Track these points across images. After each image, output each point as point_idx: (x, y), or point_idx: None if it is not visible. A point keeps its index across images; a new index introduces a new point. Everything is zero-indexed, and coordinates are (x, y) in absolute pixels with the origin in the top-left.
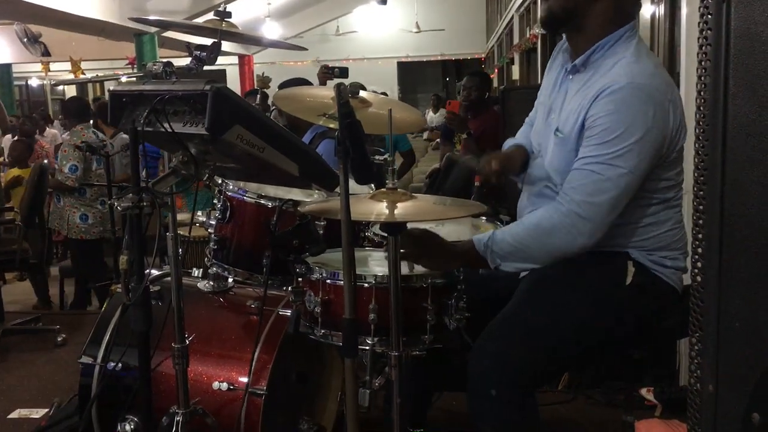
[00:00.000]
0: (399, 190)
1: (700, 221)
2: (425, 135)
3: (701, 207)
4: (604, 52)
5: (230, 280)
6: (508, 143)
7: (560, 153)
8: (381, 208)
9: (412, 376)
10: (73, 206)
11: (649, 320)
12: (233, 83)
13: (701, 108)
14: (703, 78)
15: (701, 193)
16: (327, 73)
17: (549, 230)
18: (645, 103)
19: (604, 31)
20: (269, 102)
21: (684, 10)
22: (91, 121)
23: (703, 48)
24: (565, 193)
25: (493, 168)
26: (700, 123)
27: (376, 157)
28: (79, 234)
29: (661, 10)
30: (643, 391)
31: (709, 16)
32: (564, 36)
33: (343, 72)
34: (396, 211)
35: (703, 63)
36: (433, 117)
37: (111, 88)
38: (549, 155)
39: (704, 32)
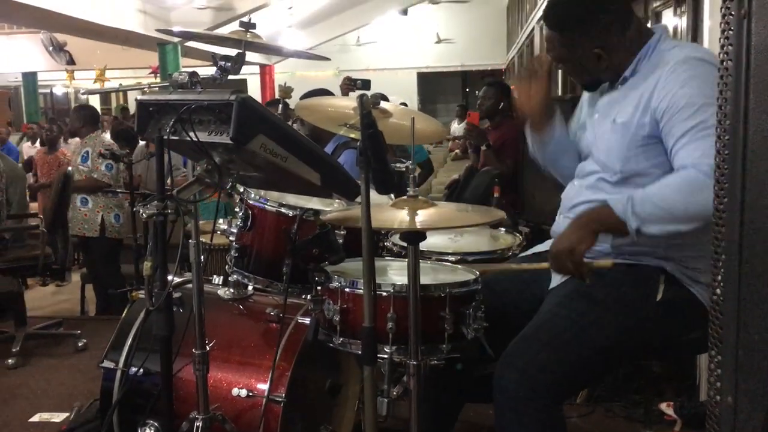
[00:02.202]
0: (420, 197)
1: (720, 233)
2: (450, 145)
3: (721, 220)
4: (648, 58)
5: (250, 287)
6: None
7: (621, 139)
8: (402, 216)
9: (440, 387)
10: (107, 206)
11: (675, 336)
12: (254, 93)
13: (722, 122)
14: (723, 93)
15: (721, 206)
16: (350, 84)
17: (697, 188)
18: (712, 68)
19: (634, 53)
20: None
21: (707, 23)
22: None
23: (724, 63)
24: (697, 161)
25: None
26: (721, 137)
27: (398, 165)
28: (114, 233)
29: (683, 22)
30: (663, 406)
31: (730, 32)
32: None
33: (366, 84)
34: (417, 219)
35: (723, 78)
36: (456, 127)
37: (138, 97)
38: (606, 145)
39: (725, 47)
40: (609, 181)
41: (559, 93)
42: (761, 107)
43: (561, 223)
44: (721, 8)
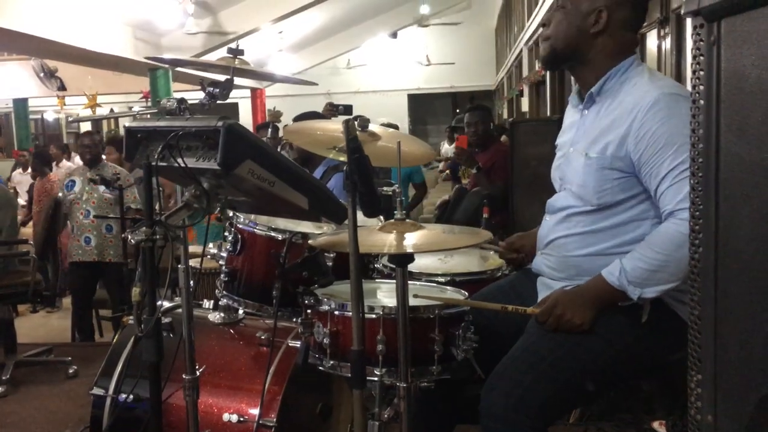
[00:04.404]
0: (408, 220)
1: (696, 255)
2: (440, 166)
3: (697, 241)
4: (618, 78)
5: (241, 311)
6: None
7: (594, 173)
8: (390, 240)
9: (431, 409)
10: None
11: (663, 356)
12: (245, 117)
13: (695, 145)
14: (696, 116)
15: (696, 227)
16: (332, 110)
17: (680, 242)
18: (689, 103)
19: (611, 62)
20: (280, 135)
21: (690, 43)
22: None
23: (696, 88)
24: (676, 207)
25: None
26: (695, 159)
27: (385, 188)
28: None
29: (667, 44)
30: (655, 425)
31: (701, 58)
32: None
33: (348, 109)
34: (405, 242)
35: (696, 102)
36: (447, 149)
37: (127, 124)
38: (579, 178)
39: (696, 73)
40: (583, 211)
41: (548, 113)
42: (732, 131)
43: (539, 260)
44: (692, 35)
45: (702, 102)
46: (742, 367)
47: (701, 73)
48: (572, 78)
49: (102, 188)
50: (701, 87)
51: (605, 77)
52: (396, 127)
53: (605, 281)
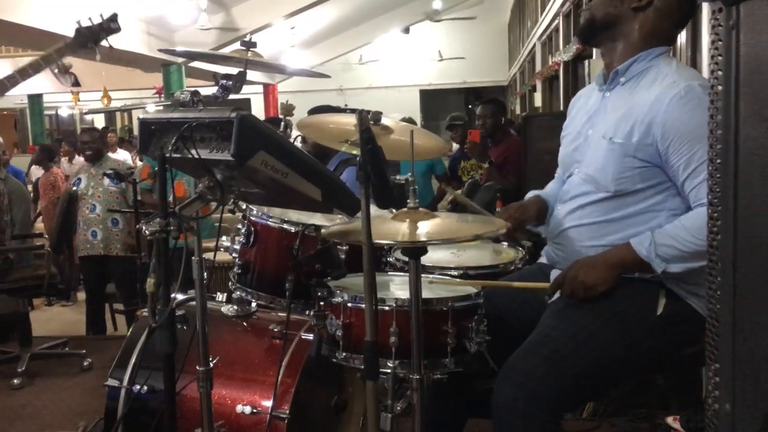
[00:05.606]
0: (421, 209)
1: (715, 242)
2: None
3: (715, 228)
4: (646, 63)
5: (254, 304)
6: (530, 195)
7: (616, 159)
8: (403, 229)
9: (444, 403)
10: None
11: (677, 350)
12: (258, 112)
13: (713, 131)
14: (714, 102)
15: (715, 214)
16: None
17: None
18: None
19: (643, 43)
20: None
21: (705, 38)
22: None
23: (714, 73)
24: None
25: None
26: (713, 146)
27: (397, 177)
28: None
29: (683, 37)
30: (669, 420)
31: (720, 43)
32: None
33: None
34: (418, 231)
35: (714, 87)
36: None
37: (141, 116)
38: (599, 162)
39: (715, 58)
40: (598, 200)
41: (561, 108)
42: (751, 116)
43: (550, 250)
44: (711, 20)
45: (720, 87)
46: (761, 356)
47: (720, 58)
48: (587, 72)
49: (107, 181)
50: (719, 72)
51: (634, 58)
52: (413, 122)
53: (632, 249)
